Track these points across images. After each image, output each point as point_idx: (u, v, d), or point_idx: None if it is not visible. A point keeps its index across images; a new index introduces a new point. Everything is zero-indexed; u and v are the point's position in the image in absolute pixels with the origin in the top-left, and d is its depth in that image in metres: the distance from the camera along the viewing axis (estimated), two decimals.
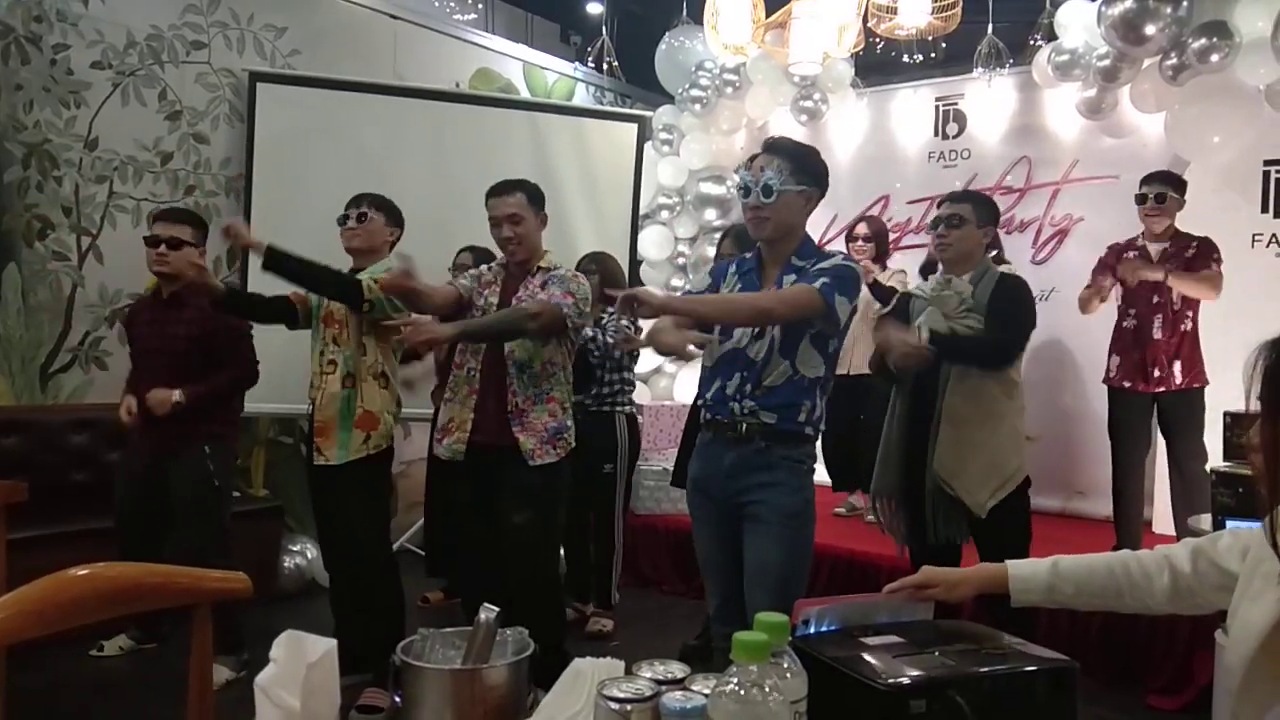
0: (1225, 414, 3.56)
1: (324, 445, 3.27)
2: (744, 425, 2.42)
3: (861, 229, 4.78)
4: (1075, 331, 4.93)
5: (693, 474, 2.60)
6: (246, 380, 3.62)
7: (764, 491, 2.41)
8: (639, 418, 4.46)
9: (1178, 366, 4.02)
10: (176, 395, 3.38)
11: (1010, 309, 2.98)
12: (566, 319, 3.07)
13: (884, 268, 4.76)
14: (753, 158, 2.51)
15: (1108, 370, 4.20)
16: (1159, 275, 3.93)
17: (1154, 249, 4.06)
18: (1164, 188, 4.01)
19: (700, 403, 2.60)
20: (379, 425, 3.28)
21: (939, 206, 3.12)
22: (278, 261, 3.08)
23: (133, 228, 4.49)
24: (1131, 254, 4.11)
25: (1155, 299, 4.04)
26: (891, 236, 5.18)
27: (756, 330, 2.43)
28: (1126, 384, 4.11)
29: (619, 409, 4.13)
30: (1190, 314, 4.04)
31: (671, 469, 5.01)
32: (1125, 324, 4.13)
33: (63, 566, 1.26)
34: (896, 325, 3.05)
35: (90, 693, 3.41)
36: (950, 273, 3.07)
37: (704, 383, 2.56)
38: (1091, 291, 4.18)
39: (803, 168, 2.45)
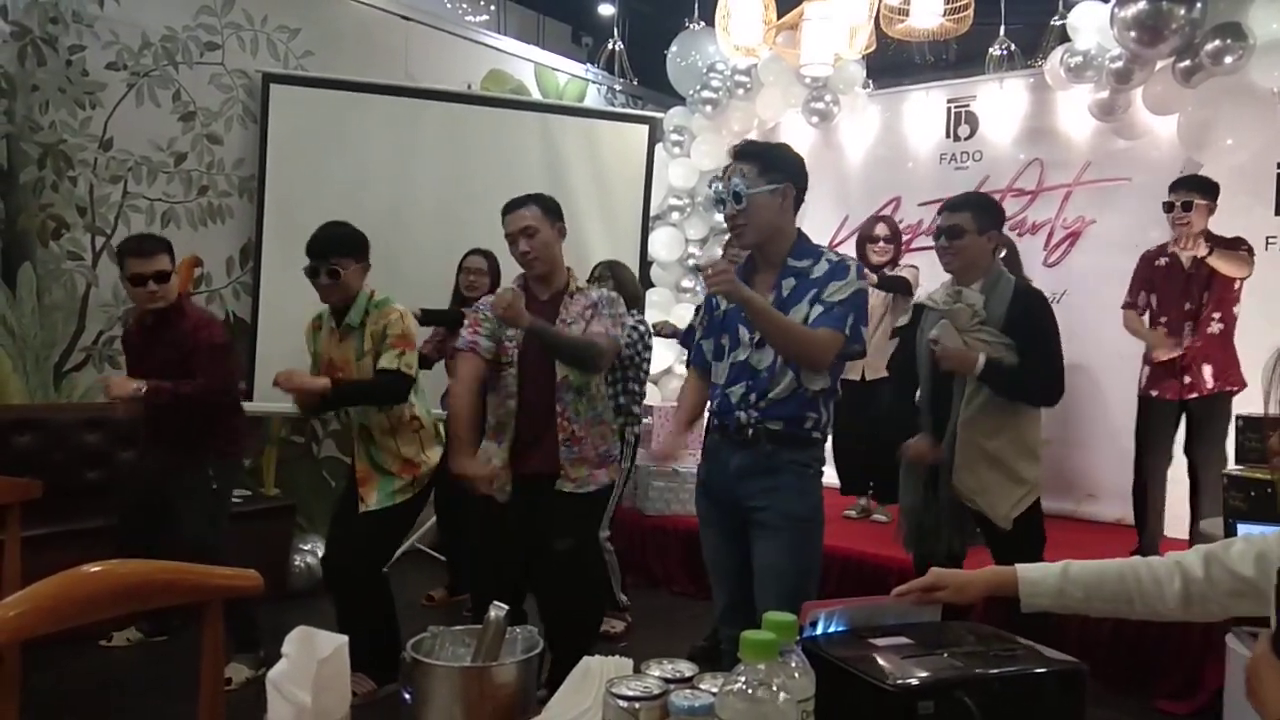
0: (1238, 417, 3.54)
1: (365, 493, 3.32)
2: (750, 430, 2.42)
3: (881, 229, 4.76)
4: (1086, 335, 4.91)
5: (701, 476, 2.60)
6: (216, 392, 3.50)
7: (769, 496, 2.41)
8: (645, 422, 4.48)
9: (1208, 370, 3.98)
10: (139, 385, 3.33)
11: (1041, 344, 2.90)
12: (619, 353, 3.11)
13: (895, 266, 4.77)
14: (725, 168, 2.50)
15: (1140, 378, 4.17)
16: (1203, 250, 3.87)
17: (1185, 257, 4.01)
18: (1190, 195, 3.94)
19: (709, 410, 2.61)
20: (419, 470, 3.36)
21: (939, 214, 3.06)
22: (338, 398, 3.28)
23: (146, 228, 4.51)
24: (1162, 260, 4.09)
25: (1186, 305, 4.01)
26: (904, 238, 5.18)
27: (758, 340, 2.41)
28: (1154, 392, 4.08)
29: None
30: (1219, 315, 3.98)
31: (680, 470, 5.04)
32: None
33: (76, 564, 1.27)
34: (951, 336, 2.96)
35: (102, 689, 3.43)
36: (960, 283, 3.00)
37: (713, 392, 2.57)
38: (1134, 315, 4.15)
39: (770, 165, 2.42)
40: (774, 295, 2.42)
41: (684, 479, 5.02)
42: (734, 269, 2.41)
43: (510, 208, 3.05)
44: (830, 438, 2.59)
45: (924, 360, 3.04)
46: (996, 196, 5.55)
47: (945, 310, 2.98)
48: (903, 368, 3.19)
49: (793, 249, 2.46)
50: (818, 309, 2.37)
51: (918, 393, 3.12)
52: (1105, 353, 4.75)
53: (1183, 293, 4.02)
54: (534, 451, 3.02)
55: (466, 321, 3.09)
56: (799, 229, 2.52)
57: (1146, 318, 4.15)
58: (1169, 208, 4.00)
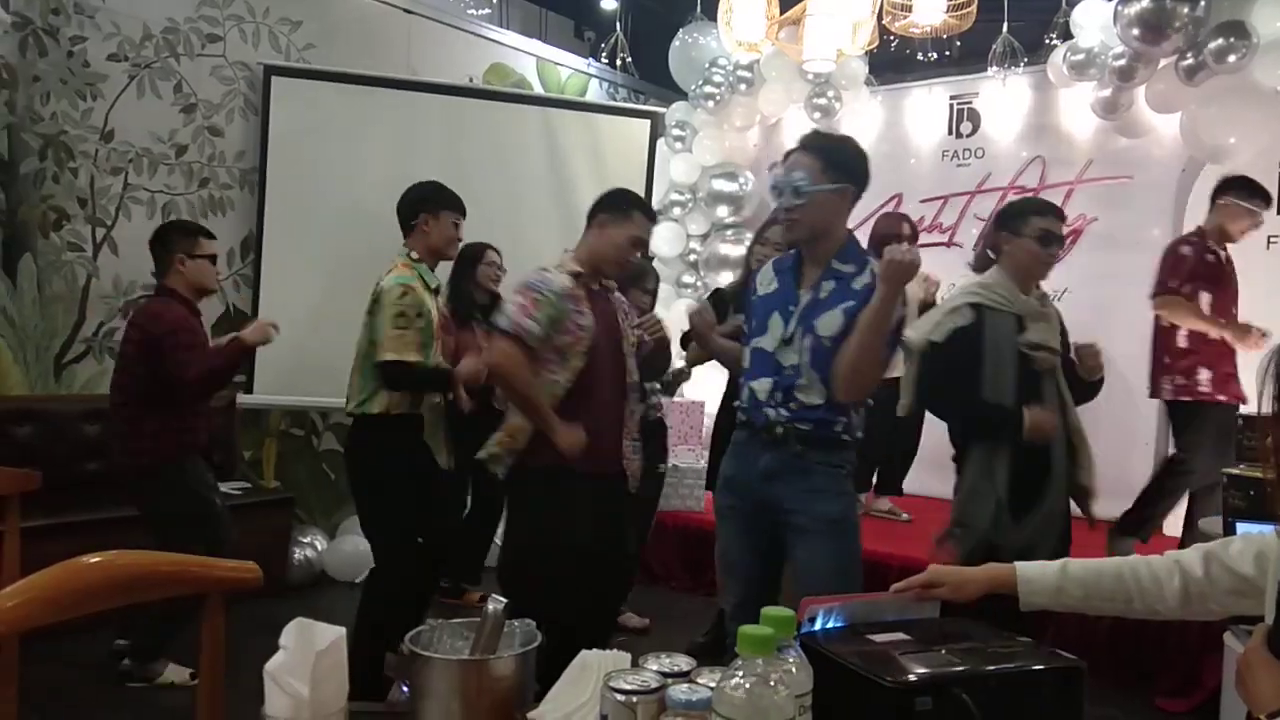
0: (1239, 416, 3.55)
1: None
2: (779, 429, 2.35)
3: (905, 228, 4.59)
4: (1087, 333, 4.89)
5: (726, 473, 2.53)
6: None
7: (803, 499, 2.34)
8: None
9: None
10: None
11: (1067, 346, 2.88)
12: None
13: None
14: (787, 154, 2.43)
15: (1194, 383, 3.88)
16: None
17: (1224, 255, 3.93)
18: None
19: (736, 404, 2.53)
20: None
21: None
22: None
23: (147, 219, 4.51)
24: (1211, 256, 3.92)
25: (1234, 309, 3.96)
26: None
27: (786, 336, 2.35)
28: (1222, 397, 3.83)
29: None
30: None
31: (680, 465, 5.04)
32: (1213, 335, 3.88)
33: (76, 555, 1.26)
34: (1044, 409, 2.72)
35: (101, 679, 3.43)
36: (1024, 290, 2.85)
37: (741, 383, 2.50)
38: (1186, 303, 3.85)
39: (835, 164, 2.36)
40: (811, 295, 2.36)
41: (683, 474, 5.03)
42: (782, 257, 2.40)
43: (651, 215, 2.98)
44: None
45: (1009, 360, 2.74)
46: (997, 194, 5.58)
47: (1035, 313, 2.82)
48: (957, 368, 2.75)
49: (841, 251, 2.39)
50: None
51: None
52: (1106, 351, 4.75)
53: (1235, 294, 3.92)
54: (604, 450, 2.77)
55: (519, 300, 2.69)
56: (850, 230, 2.47)
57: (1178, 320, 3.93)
58: (1253, 213, 3.90)
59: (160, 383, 3.31)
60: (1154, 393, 4.07)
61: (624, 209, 2.84)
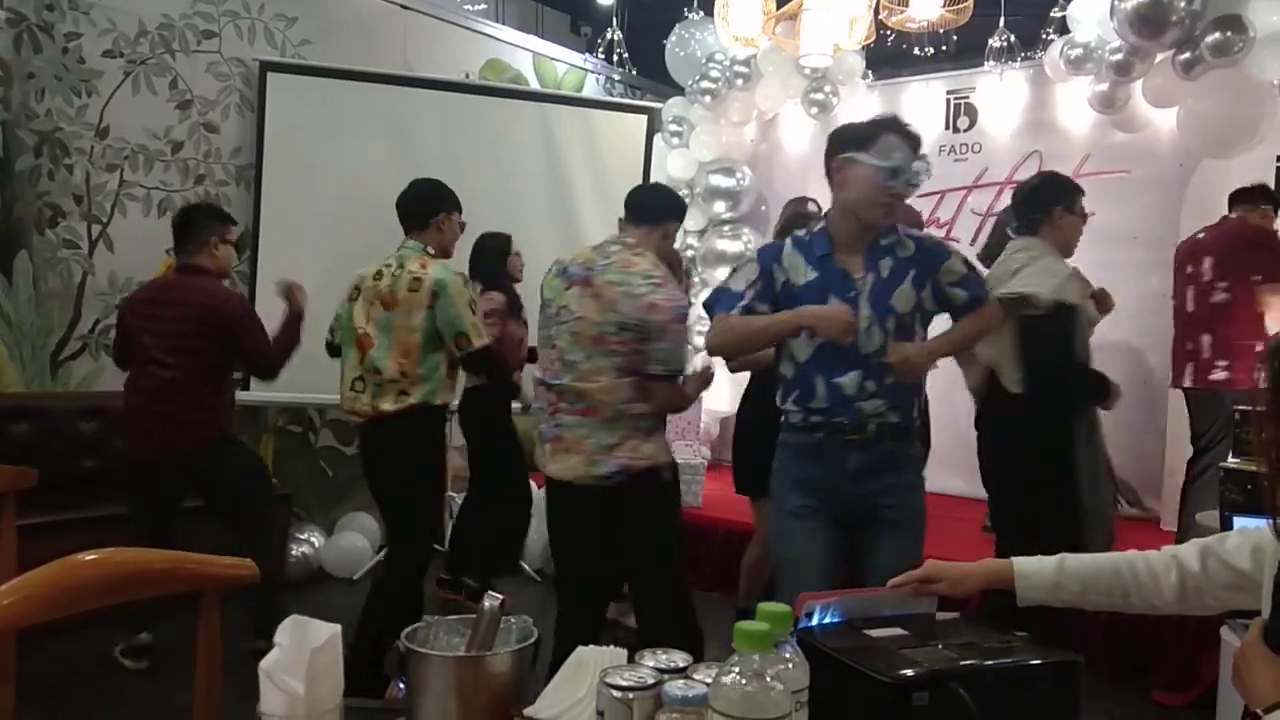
0: (1236, 410, 3.55)
1: None
2: (872, 425, 2.28)
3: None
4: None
5: (799, 475, 2.38)
6: None
7: (897, 494, 2.31)
8: None
9: None
10: None
11: None
12: None
13: None
14: (888, 133, 2.35)
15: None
16: None
17: None
18: None
19: (795, 404, 2.36)
20: None
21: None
22: None
23: (143, 216, 4.51)
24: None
25: None
26: None
27: (866, 325, 2.27)
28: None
29: None
30: None
31: (677, 461, 5.02)
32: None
33: (72, 553, 1.26)
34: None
35: (101, 674, 3.43)
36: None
37: (798, 383, 2.35)
38: None
39: None
40: (873, 277, 2.31)
41: (679, 471, 5.00)
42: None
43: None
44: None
45: (1087, 333, 2.96)
46: (994, 189, 5.57)
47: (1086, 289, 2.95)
48: (1071, 333, 2.87)
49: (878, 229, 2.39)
50: (960, 292, 2.38)
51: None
52: (1105, 344, 4.75)
53: None
54: None
55: (683, 335, 2.76)
56: None
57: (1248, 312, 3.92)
58: None
59: (225, 359, 3.51)
60: (1235, 383, 3.99)
61: (683, 219, 3.06)
